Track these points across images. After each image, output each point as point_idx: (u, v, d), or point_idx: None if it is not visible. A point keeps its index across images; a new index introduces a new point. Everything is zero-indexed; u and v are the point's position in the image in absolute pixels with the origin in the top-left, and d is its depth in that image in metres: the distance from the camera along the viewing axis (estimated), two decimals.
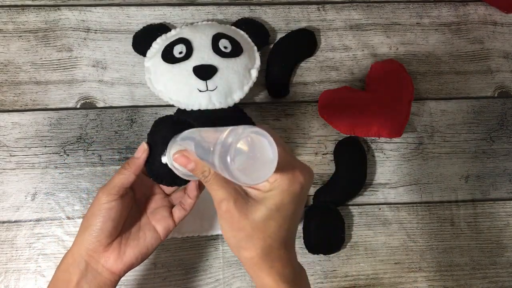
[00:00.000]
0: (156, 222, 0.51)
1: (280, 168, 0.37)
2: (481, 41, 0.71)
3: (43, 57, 0.65)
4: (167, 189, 0.55)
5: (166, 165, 0.50)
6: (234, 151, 0.35)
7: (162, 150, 0.50)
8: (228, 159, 0.35)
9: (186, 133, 0.47)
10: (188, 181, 0.52)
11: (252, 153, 0.36)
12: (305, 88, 0.67)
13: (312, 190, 0.64)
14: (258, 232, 0.39)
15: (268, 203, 0.39)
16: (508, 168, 0.67)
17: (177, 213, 0.52)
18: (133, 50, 0.65)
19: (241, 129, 0.35)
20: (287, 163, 0.39)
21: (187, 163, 0.42)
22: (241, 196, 0.40)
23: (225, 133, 0.36)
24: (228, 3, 0.68)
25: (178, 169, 0.48)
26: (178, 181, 0.51)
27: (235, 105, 0.61)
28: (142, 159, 0.50)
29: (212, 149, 0.36)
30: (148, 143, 0.51)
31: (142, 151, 0.50)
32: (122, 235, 0.49)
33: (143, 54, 0.64)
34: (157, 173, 0.51)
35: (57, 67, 0.65)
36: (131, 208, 0.50)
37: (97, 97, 0.65)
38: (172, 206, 0.53)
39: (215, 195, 0.40)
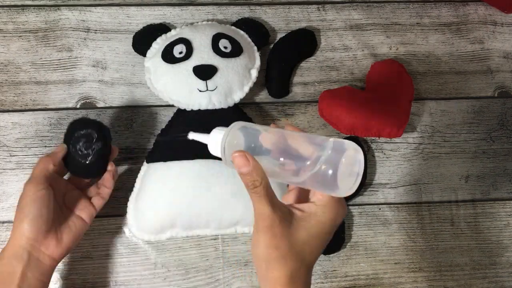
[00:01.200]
0: (80, 211, 0.55)
1: (328, 197, 0.39)
2: (481, 41, 0.71)
3: (43, 57, 0.65)
4: (79, 185, 0.58)
5: (83, 162, 0.54)
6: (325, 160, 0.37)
7: (76, 149, 0.54)
8: (320, 164, 0.37)
9: (256, 129, 0.44)
10: (97, 174, 0.57)
11: (345, 165, 0.38)
12: (305, 88, 0.67)
13: None
14: (293, 254, 0.39)
15: (310, 228, 0.39)
16: (508, 168, 0.67)
17: (96, 201, 0.56)
18: (133, 50, 0.65)
19: (345, 144, 0.38)
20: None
21: (244, 165, 0.39)
22: (287, 215, 0.40)
23: (329, 143, 0.38)
24: (228, 3, 0.68)
25: (224, 155, 0.44)
26: (92, 174, 0.57)
27: (235, 105, 0.61)
28: (60, 153, 0.53)
29: (315, 156, 0.38)
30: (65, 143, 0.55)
31: (61, 149, 0.54)
32: (54, 224, 0.51)
33: (143, 54, 0.64)
34: (75, 169, 0.56)
35: (57, 67, 0.65)
36: (54, 202, 0.52)
37: (97, 97, 0.65)
38: (88, 197, 0.57)
39: (261, 209, 0.39)
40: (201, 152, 0.58)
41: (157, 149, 0.60)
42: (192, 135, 0.46)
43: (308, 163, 0.38)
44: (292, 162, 0.40)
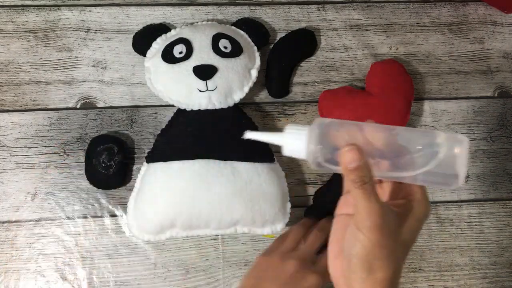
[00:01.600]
0: None
1: (422, 192, 0.40)
2: (481, 41, 0.71)
3: (43, 57, 0.65)
4: None
5: (105, 173, 0.60)
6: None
7: (99, 162, 0.59)
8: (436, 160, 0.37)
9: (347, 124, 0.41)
10: (118, 184, 0.62)
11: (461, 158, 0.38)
12: (305, 88, 0.67)
13: (311, 190, 0.64)
14: (397, 253, 0.38)
15: (411, 227, 0.39)
16: (508, 168, 0.67)
17: None
18: (133, 50, 0.65)
19: (458, 136, 0.38)
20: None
21: (355, 160, 0.36)
22: (392, 213, 0.38)
23: (440, 136, 0.38)
24: (228, 3, 0.68)
25: (314, 156, 0.40)
26: (114, 184, 0.61)
27: (235, 105, 0.61)
28: None
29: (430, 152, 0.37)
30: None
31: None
32: None
33: (143, 54, 0.64)
34: (98, 180, 0.61)
35: (57, 67, 0.65)
36: None
37: (97, 97, 0.65)
38: None
39: (369, 207, 0.36)
40: (201, 152, 0.58)
41: (157, 149, 0.60)
42: (251, 135, 0.42)
43: (422, 159, 0.38)
44: (402, 158, 0.38)
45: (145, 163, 0.60)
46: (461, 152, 0.37)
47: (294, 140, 0.39)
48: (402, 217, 0.39)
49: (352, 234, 0.38)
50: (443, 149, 0.37)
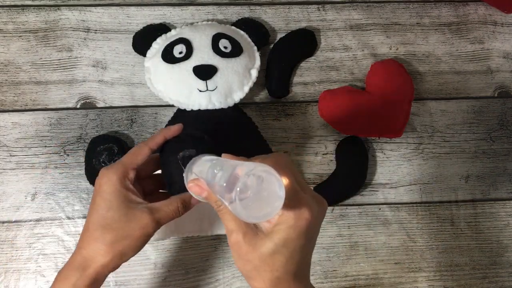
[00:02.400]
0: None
1: (287, 204, 0.37)
2: (481, 41, 0.71)
3: (43, 57, 0.65)
4: None
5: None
6: (240, 189, 0.35)
7: (99, 161, 0.57)
8: (233, 195, 0.35)
9: (202, 160, 0.45)
10: None
11: (259, 191, 0.36)
12: (305, 88, 0.67)
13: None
14: (265, 265, 0.39)
15: (275, 238, 0.39)
16: (508, 168, 0.67)
17: None
18: (133, 50, 0.65)
19: (252, 166, 0.36)
20: (295, 198, 0.38)
21: (201, 192, 0.42)
22: (251, 228, 0.40)
23: (233, 170, 0.37)
24: (228, 3, 0.68)
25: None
26: None
27: (235, 105, 0.61)
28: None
29: (222, 184, 0.37)
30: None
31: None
32: None
33: (143, 54, 0.64)
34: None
35: (57, 67, 0.65)
36: None
37: (97, 97, 0.65)
38: None
39: (227, 225, 0.40)
40: (201, 151, 0.58)
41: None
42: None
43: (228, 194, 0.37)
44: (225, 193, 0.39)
45: None
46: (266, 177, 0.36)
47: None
48: (267, 231, 0.39)
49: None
50: (222, 185, 0.37)
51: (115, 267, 0.45)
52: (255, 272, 0.40)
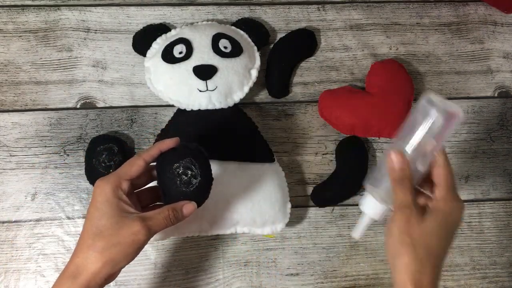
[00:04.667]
0: None
1: (449, 195, 0.45)
2: (481, 41, 0.71)
3: (43, 57, 0.65)
4: None
5: (106, 173, 0.51)
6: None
7: (99, 161, 0.54)
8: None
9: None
10: None
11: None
12: (305, 88, 0.67)
13: (311, 190, 0.64)
14: (423, 242, 0.43)
15: (438, 220, 0.44)
16: (508, 168, 0.67)
17: None
18: (133, 50, 0.65)
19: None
20: (454, 192, 0.46)
21: (400, 162, 0.46)
22: (422, 208, 0.46)
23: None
24: (228, 3, 0.68)
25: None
26: None
27: (235, 105, 0.61)
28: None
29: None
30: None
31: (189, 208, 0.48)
32: None
33: (143, 54, 0.64)
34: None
35: (57, 67, 0.65)
36: None
37: (97, 97, 0.65)
38: None
39: (404, 200, 0.45)
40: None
41: None
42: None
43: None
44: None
45: None
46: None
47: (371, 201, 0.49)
48: (432, 212, 0.45)
49: (389, 223, 0.46)
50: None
51: (108, 277, 0.45)
52: (410, 246, 0.43)
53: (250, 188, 0.57)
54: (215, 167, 0.57)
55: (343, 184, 0.63)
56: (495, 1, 0.71)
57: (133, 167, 0.48)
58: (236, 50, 0.61)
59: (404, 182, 0.45)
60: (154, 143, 0.61)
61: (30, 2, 0.66)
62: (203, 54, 0.60)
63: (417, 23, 0.70)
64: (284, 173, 0.62)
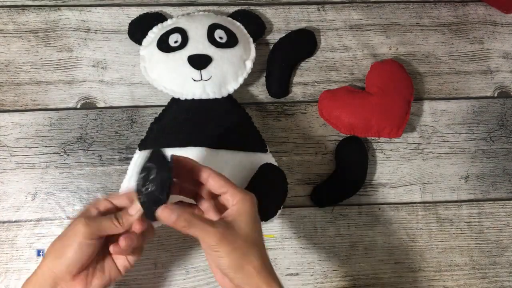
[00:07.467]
0: (117, 259, 0.49)
1: (238, 192, 0.46)
2: (481, 41, 0.71)
3: (43, 57, 0.65)
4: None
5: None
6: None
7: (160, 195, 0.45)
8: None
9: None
10: None
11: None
12: (305, 88, 0.67)
13: (310, 189, 0.64)
14: (254, 244, 0.45)
15: (243, 221, 0.45)
16: (508, 168, 0.67)
17: (130, 258, 0.50)
18: (133, 50, 0.65)
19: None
20: (237, 188, 0.47)
21: (170, 217, 0.44)
22: (224, 224, 0.44)
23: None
24: (228, 3, 0.68)
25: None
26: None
27: (229, 95, 0.61)
28: (135, 218, 0.47)
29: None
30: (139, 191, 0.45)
31: (135, 211, 0.46)
32: (89, 267, 0.48)
33: (139, 42, 0.64)
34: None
35: (57, 67, 0.65)
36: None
37: (97, 97, 0.65)
38: None
39: (205, 234, 0.43)
40: (193, 140, 0.58)
41: (150, 136, 0.61)
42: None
43: None
44: None
45: (138, 150, 0.61)
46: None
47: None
48: (235, 220, 0.45)
49: (211, 256, 0.45)
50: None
51: (60, 274, 0.46)
52: (248, 253, 0.44)
53: (242, 177, 0.58)
54: (208, 155, 0.57)
55: (343, 184, 0.63)
56: (495, 1, 0.71)
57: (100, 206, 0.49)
58: (232, 41, 0.61)
59: (190, 230, 0.43)
60: (147, 131, 0.61)
61: (30, 2, 0.66)
62: (198, 44, 0.60)
63: (416, 23, 0.70)
64: (277, 163, 0.61)
